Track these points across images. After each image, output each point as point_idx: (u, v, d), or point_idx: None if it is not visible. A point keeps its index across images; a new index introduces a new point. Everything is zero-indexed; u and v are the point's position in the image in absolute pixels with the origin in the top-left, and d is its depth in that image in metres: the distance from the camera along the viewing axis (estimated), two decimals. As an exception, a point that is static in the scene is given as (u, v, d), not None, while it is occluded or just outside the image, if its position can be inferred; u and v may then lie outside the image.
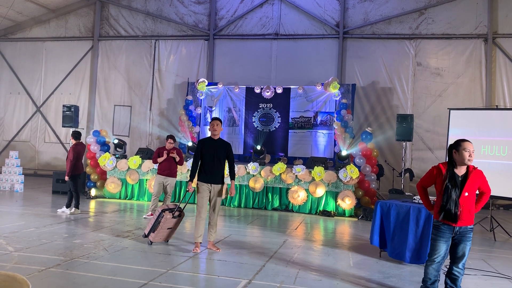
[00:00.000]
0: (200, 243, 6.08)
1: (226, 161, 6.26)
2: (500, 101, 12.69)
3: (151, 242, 6.26)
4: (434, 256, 4.31)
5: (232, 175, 6.26)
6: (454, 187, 4.16)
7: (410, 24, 13.55)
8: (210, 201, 6.12)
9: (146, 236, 6.31)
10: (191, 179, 6.15)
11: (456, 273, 4.31)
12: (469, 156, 4.18)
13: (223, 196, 6.22)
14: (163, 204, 7.80)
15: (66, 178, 8.60)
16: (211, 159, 6.05)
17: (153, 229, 6.23)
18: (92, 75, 16.07)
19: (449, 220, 4.19)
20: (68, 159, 8.67)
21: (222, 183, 6.15)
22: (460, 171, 4.24)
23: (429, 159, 12.95)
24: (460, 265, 4.30)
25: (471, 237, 4.28)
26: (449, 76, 13.14)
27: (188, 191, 6.27)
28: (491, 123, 8.62)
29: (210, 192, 6.07)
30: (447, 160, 4.41)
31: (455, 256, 4.30)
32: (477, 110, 9.77)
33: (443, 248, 4.28)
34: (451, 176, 4.20)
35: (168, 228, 6.30)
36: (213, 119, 6.24)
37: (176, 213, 6.30)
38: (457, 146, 4.25)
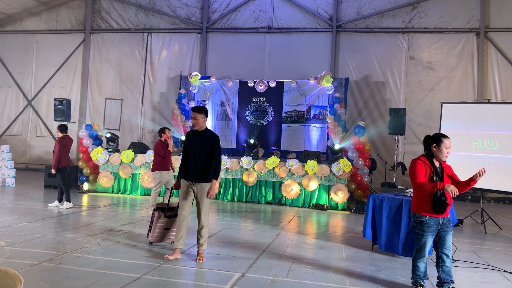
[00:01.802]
0: (180, 248, 5.35)
1: None
2: (491, 95, 12.79)
3: (151, 243, 5.91)
4: (424, 251, 4.37)
5: (215, 173, 5.29)
6: (440, 180, 4.24)
7: (403, 18, 13.58)
8: (196, 202, 5.34)
9: (147, 236, 6.07)
10: (179, 177, 5.47)
11: (449, 265, 4.37)
12: (447, 153, 4.29)
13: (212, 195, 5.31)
14: (163, 200, 7.65)
15: (53, 171, 8.55)
16: (194, 153, 5.28)
17: (149, 228, 5.97)
18: (84, 69, 15.95)
19: (441, 212, 4.24)
20: (54, 152, 8.61)
21: (207, 180, 5.30)
22: (436, 163, 4.36)
23: (421, 153, 12.99)
24: (450, 255, 4.38)
25: (451, 225, 4.45)
26: (442, 70, 13.20)
27: (172, 188, 5.68)
28: (483, 117, 8.68)
29: (193, 192, 5.31)
30: (422, 154, 4.44)
31: (446, 248, 4.35)
32: (469, 104, 9.83)
33: (430, 241, 4.36)
34: (436, 169, 4.27)
35: (165, 229, 5.87)
36: (192, 110, 5.37)
37: (169, 213, 5.86)
38: (438, 142, 4.30)
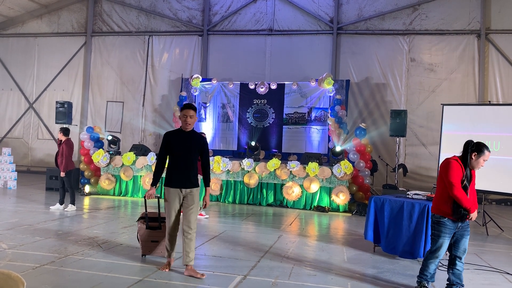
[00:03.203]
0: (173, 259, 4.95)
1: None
2: (492, 97, 12.78)
3: (144, 255, 5.39)
4: (438, 252, 4.33)
5: (207, 180, 4.90)
6: (468, 184, 4.22)
7: (403, 20, 13.58)
8: (181, 211, 4.81)
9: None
10: (154, 183, 4.88)
11: (460, 268, 4.35)
12: (482, 165, 4.28)
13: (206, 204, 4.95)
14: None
15: (62, 174, 8.57)
16: (182, 156, 4.75)
17: (138, 240, 5.43)
18: (85, 71, 15.98)
19: (463, 218, 4.22)
20: (64, 155, 8.57)
21: (197, 185, 4.86)
22: (467, 169, 4.31)
23: (423, 155, 13.03)
24: (463, 259, 4.36)
25: (469, 229, 4.40)
26: (443, 72, 13.20)
27: (144, 197, 4.97)
28: (484, 118, 8.68)
29: (181, 199, 4.78)
30: (458, 156, 4.35)
31: (460, 251, 4.34)
32: (470, 105, 9.83)
33: (447, 244, 4.31)
34: (467, 175, 4.24)
35: (152, 241, 5.29)
36: (186, 106, 4.80)
37: (152, 224, 5.29)
38: (480, 153, 4.24)
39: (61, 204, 8.75)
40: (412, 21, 13.50)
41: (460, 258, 4.34)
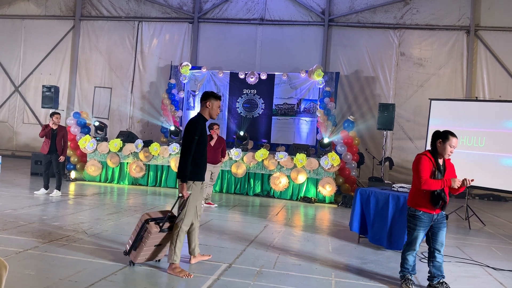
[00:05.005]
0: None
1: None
2: (479, 93, 12.93)
3: (133, 263, 4.57)
4: (415, 245, 4.41)
5: None
6: (441, 177, 4.26)
7: (394, 14, 13.62)
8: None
9: (127, 253, 4.60)
10: (185, 180, 4.37)
11: (440, 260, 4.42)
12: (450, 152, 4.29)
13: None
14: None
15: (63, 158, 8.64)
16: (205, 147, 4.59)
17: (134, 246, 4.53)
18: (73, 56, 15.74)
19: (441, 208, 4.29)
20: (66, 140, 8.77)
21: None
22: (440, 160, 4.36)
23: (409, 149, 13.16)
24: (442, 251, 4.43)
25: (446, 222, 4.48)
26: (431, 67, 13.30)
27: (182, 197, 4.37)
28: (470, 114, 8.79)
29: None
30: (428, 149, 4.45)
31: (437, 244, 4.40)
32: (457, 101, 9.92)
33: (422, 236, 4.40)
34: (438, 165, 4.29)
35: (155, 246, 4.58)
36: (219, 97, 4.65)
37: (166, 225, 4.54)
38: (445, 139, 4.27)
39: (46, 189, 8.67)
40: (403, 15, 13.55)
41: (439, 251, 4.42)
